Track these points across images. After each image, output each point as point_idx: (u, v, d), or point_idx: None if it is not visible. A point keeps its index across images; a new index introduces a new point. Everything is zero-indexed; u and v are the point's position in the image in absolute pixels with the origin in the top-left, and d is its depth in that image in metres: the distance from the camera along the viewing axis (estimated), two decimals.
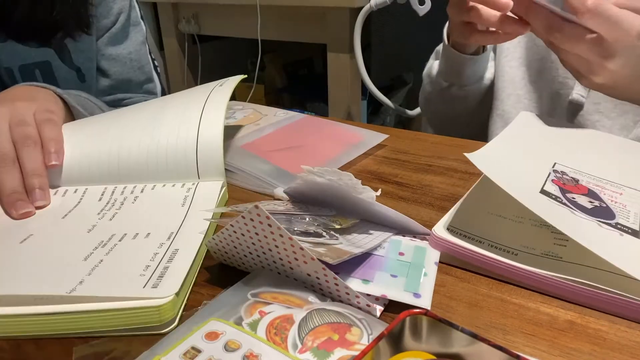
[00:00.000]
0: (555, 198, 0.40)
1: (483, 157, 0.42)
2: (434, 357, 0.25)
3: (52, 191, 0.50)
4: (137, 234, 0.41)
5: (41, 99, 0.56)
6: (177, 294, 0.33)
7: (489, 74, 0.79)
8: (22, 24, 0.63)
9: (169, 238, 0.40)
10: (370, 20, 1.55)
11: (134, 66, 0.78)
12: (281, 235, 0.33)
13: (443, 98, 0.80)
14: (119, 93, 0.78)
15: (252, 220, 0.34)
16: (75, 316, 0.33)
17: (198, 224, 0.42)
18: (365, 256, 0.37)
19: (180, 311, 0.35)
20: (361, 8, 1.16)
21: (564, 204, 0.39)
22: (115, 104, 0.77)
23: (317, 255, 0.33)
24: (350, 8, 1.39)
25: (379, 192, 0.48)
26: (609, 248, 0.34)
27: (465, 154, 0.40)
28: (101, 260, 0.37)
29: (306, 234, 0.38)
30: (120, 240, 0.40)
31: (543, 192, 0.40)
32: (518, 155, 0.47)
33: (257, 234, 0.34)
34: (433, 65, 0.80)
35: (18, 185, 0.47)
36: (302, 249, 0.33)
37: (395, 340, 0.25)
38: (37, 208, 0.47)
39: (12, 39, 0.63)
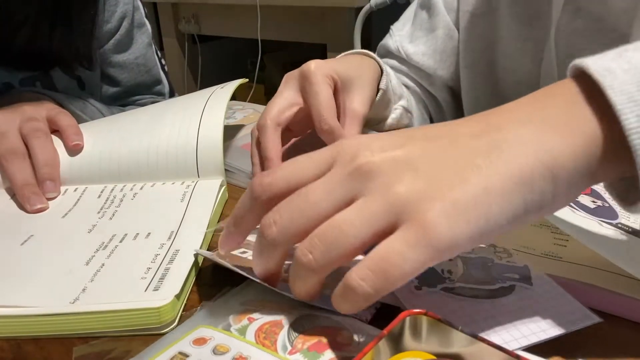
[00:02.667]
0: None
1: None
2: (434, 357, 0.25)
3: None
4: (138, 234, 0.41)
5: (46, 103, 0.56)
6: (177, 296, 0.33)
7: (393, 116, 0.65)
8: (21, 55, 0.62)
9: (169, 238, 0.40)
10: (370, 20, 1.55)
11: (142, 71, 0.77)
12: (249, 275, 0.33)
13: None
14: (129, 97, 0.77)
15: (219, 260, 0.34)
16: (76, 317, 0.33)
17: (198, 223, 0.42)
18: None
19: (180, 312, 0.35)
20: (361, 8, 1.16)
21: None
22: (125, 107, 0.76)
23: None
24: (350, 8, 1.40)
25: None
26: (609, 247, 0.34)
27: None
28: (103, 264, 0.37)
29: None
30: (121, 242, 0.40)
31: None
32: None
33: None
34: None
35: (30, 177, 0.47)
36: (273, 288, 0.32)
37: (395, 340, 0.25)
38: (48, 199, 0.47)
39: (12, 68, 0.63)
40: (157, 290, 0.34)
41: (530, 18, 0.62)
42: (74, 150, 0.51)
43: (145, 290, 0.34)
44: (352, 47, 1.23)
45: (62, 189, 0.50)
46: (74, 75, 0.69)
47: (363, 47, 1.22)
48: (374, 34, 1.73)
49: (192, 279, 0.38)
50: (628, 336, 0.32)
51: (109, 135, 0.53)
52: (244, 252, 0.39)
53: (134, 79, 0.76)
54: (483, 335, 0.28)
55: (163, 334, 0.32)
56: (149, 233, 0.41)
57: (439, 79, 0.73)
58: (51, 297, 0.34)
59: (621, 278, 0.34)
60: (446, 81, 0.74)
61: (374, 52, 0.70)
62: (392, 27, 0.78)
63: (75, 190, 0.50)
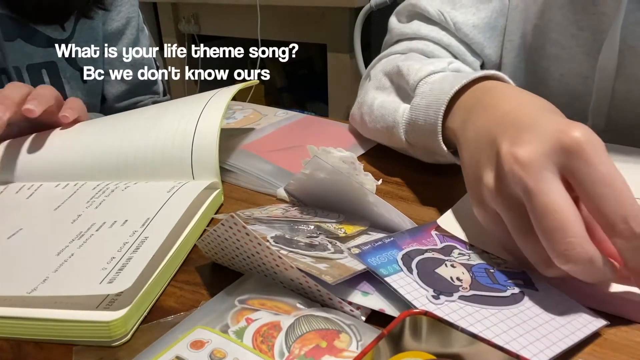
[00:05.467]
0: None
1: (452, 217, 0.41)
2: (434, 357, 0.25)
3: (53, 184, 0.50)
4: (115, 221, 0.41)
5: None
6: (129, 308, 0.33)
7: None
8: (36, 7, 0.66)
9: (143, 225, 0.40)
10: (370, 20, 1.55)
11: (145, 70, 0.83)
12: (259, 244, 0.33)
13: (397, 147, 0.56)
14: (133, 97, 0.83)
15: (230, 228, 0.34)
16: (28, 322, 0.33)
17: (175, 211, 0.41)
18: None
19: (137, 324, 0.34)
20: (361, 8, 1.16)
21: None
22: (129, 108, 0.80)
23: (317, 273, 0.32)
24: (350, 8, 1.39)
25: (379, 182, 0.48)
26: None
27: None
28: (72, 254, 0.37)
29: (311, 246, 0.37)
30: (97, 230, 0.40)
31: None
32: None
33: (238, 240, 0.34)
34: (397, 116, 0.50)
35: None
36: (280, 257, 0.32)
37: (395, 340, 0.25)
38: None
39: (28, 20, 0.67)
40: (111, 282, 0.33)
41: (585, 3, 0.56)
42: (60, 120, 0.53)
43: (100, 283, 0.33)
44: (352, 47, 1.23)
45: (64, 183, 0.50)
46: (77, 66, 0.73)
47: (363, 47, 1.22)
48: (373, 34, 1.73)
49: (169, 277, 0.38)
50: (628, 336, 0.32)
51: (110, 135, 0.53)
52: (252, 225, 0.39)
53: (139, 77, 0.82)
54: (513, 346, 0.28)
55: (117, 347, 0.32)
56: (126, 220, 0.41)
57: (485, 58, 0.62)
58: (11, 285, 0.34)
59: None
60: (490, 64, 0.63)
61: (375, 52, 0.65)
62: None
63: (75, 184, 0.50)
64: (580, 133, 0.29)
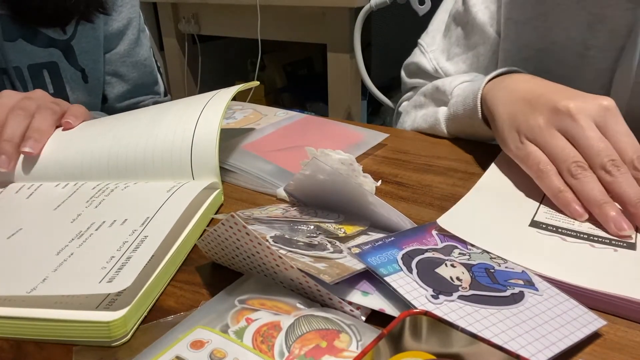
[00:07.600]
0: (546, 227, 0.40)
1: (453, 216, 0.42)
2: (434, 357, 0.25)
3: (53, 184, 0.50)
4: (115, 220, 0.41)
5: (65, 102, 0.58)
6: (129, 308, 0.33)
7: None
8: (38, 11, 0.67)
9: (142, 224, 0.40)
10: (370, 20, 1.55)
11: (147, 71, 0.83)
12: (259, 244, 0.33)
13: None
14: (135, 97, 0.83)
15: (231, 227, 0.34)
16: (28, 322, 0.33)
17: (175, 210, 0.41)
18: None
19: (137, 325, 0.34)
20: (361, 8, 1.16)
21: (557, 231, 0.40)
22: (130, 108, 0.80)
23: (315, 272, 0.32)
24: (350, 8, 1.39)
25: (378, 183, 0.48)
26: (599, 273, 0.35)
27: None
28: (72, 254, 0.37)
29: (310, 245, 0.37)
30: (97, 230, 0.40)
31: (533, 223, 0.41)
32: (507, 192, 0.46)
33: (238, 240, 0.34)
34: (439, 116, 0.65)
35: None
36: (280, 257, 0.32)
37: (395, 340, 0.25)
38: None
39: (31, 24, 0.67)
40: (111, 281, 0.33)
41: (593, 22, 0.57)
42: (63, 126, 0.54)
43: (100, 282, 0.33)
44: (352, 47, 1.23)
45: (63, 182, 0.50)
46: (78, 67, 0.73)
47: (363, 47, 1.22)
48: (373, 34, 1.73)
49: (169, 277, 0.38)
50: (628, 336, 0.32)
51: (111, 134, 0.53)
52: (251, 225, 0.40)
53: (141, 77, 0.82)
54: (512, 346, 0.28)
55: (116, 347, 0.32)
56: (126, 219, 0.41)
57: None
58: (10, 287, 0.34)
59: (620, 278, 0.34)
60: None
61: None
62: (420, 42, 0.74)
63: (75, 184, 0.50)
64: (607, 101, 0.45)
